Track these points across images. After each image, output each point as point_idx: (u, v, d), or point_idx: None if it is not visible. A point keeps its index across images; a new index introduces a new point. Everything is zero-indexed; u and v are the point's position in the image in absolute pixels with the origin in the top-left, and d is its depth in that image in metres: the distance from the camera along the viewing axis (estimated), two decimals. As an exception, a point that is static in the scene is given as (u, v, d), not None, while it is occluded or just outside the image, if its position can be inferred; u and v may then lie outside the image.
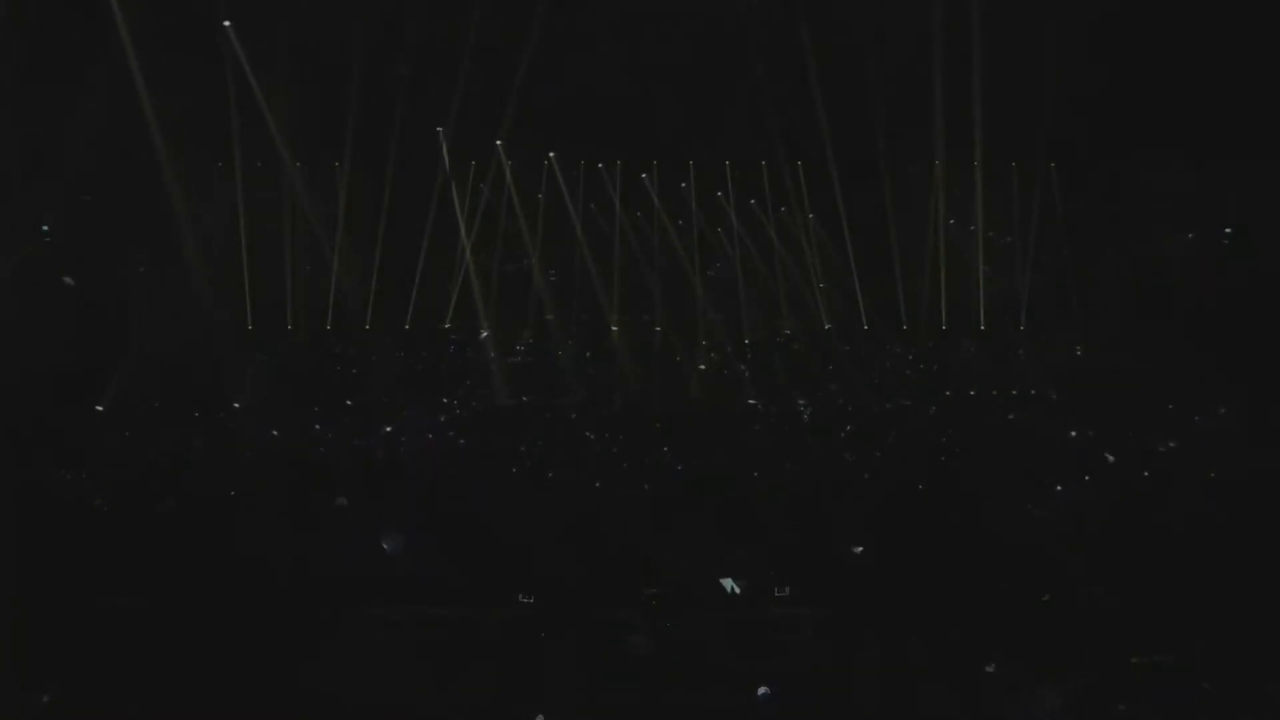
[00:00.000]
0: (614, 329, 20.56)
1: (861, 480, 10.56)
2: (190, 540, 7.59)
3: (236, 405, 15.27)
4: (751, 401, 18.38)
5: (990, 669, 5.49)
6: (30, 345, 12.78)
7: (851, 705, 5.57)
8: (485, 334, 19.45)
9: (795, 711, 5.43)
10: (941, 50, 17.41)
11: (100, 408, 14.39)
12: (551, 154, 20.20)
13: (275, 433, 13.58)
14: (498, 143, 19.29)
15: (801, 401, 17.62)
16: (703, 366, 20.11)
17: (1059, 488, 9.25)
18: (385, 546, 6.27)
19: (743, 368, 19.84)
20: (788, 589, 6.92)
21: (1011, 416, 15.40)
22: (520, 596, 6.69)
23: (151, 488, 9.34)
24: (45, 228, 15.56)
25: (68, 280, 14.69)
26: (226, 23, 15.92)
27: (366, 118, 18.28)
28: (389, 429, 14.44)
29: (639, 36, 17.64)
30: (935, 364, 19.87)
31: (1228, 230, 17.66)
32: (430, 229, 19.58)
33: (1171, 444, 12.07)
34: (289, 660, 5.81)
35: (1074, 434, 13.42)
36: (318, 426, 14.52)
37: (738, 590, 6.95)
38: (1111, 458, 10.40)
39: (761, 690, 5.41)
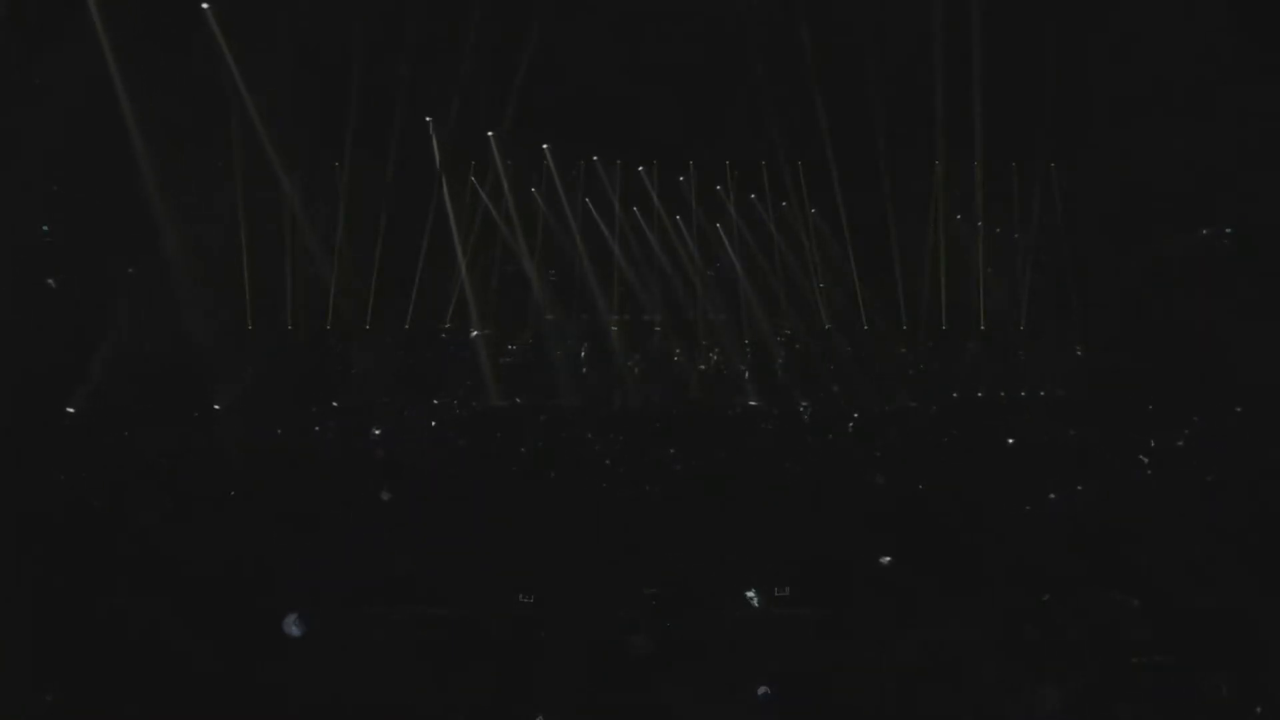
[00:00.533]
0: (614, 329, 20.53)
1: (861, 480, 10.55)
2: (189, 540, 7.60)
3: (217, 407, 15.22)
4: (753, 403, 18.39)
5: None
6: (30, 345, 12.77)
7: (851, 705, 5.56)
8: (475, 334, 19.40)
9: (795, 711, 5.42)
10: (941, 50, 17.42)
11: (70, 409, 14.28)
12: (546, 146, 20.14)
13: (280, 431, 13.59)
14: (489, 133, 19.25)
15: (804, 403, 17.62)
16: (703, 366, 20.11)
17: (1051, 496, 9.24)
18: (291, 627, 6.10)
19: (743, 368, 19.83)
20: (788, 589, 6.91)
21: (1011, 420, 15.38)
22: (520, 596, 6.68)
23: (149, 487, 9.34)
24: (45, 228, 15.54)
25: (50, 283, 14.60)
26: (205, 4, 15.73)
27: (366, 118, 18.27)
28: (389, 429, 14.44)
29: (639, 36, 17.61)
30: (935, 363, 19.86)
31: (1228, 230, 17.65)
32: (430, 229, 19.56)
33: (1178, 443, 12.09)
34: (288, 660, 5.80)
35: (1073, 433, 13.45)
36: (317, 428, 14.53)
37: (759, 602, 6.92)
38: (1146, 458, 10.37)
39: (761, 690, 5.40)
